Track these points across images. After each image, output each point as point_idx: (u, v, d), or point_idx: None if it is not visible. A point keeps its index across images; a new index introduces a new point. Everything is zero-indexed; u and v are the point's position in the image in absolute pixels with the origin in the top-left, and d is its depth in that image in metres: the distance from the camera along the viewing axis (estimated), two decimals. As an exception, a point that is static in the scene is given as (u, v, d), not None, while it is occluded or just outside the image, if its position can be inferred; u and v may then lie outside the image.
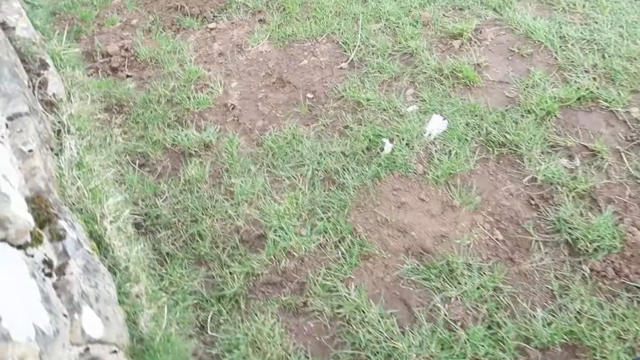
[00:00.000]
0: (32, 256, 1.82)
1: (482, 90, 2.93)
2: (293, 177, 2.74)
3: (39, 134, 2.48)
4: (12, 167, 2.00)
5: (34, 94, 2.97)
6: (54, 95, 3.03)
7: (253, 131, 3.03)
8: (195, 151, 2.95)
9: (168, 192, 2.77)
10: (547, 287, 2.21)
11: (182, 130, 3.06)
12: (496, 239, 2.39)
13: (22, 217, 1.74)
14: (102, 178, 2.58)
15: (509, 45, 3.17)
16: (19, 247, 1.76)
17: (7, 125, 2.34)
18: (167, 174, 2.89)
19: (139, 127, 3.15)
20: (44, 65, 3.19)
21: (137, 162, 2.95)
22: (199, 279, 2.43)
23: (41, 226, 2.00)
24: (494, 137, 2.69)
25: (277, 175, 2.77)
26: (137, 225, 2.63)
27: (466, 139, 2.71)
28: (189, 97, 3.25)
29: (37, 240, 1.87)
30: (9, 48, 2.89)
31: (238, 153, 2.90)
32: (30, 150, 2.28)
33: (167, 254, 2.53)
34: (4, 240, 1.68)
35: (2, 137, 2.23)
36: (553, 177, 2.52)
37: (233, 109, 3.18)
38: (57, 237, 1.99)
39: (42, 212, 2.03)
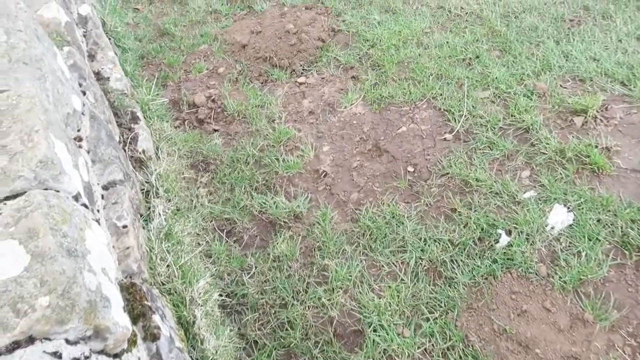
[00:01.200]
0: (127, 365, 1.63)
1: (614, 180, 2.58)
2: (393, 263, 2.47)
3: (132, 203, 2.34)
4: (109, 253, 1.85)
5: (124, 150, 2.88)
6: (143, 152, 2.92)
7: (347, 204, 2.80)
8: (284, 222, 2.75)
9: (256, 267, 2.56)
10: None
11: (270, 196, 2.87)
12: (640, 368, 2.02)
13: (122, 324, 1.57)
14: (192, 253, 2.40)
15: (642, 127, 2.82)
16: (115, 355, 1.58)
17: (102, 197, 2.21)
18: (254, 246, 2.69)
19: (226, 188, 2.99)
20: (135, 119, 3.11)
21: (224, 229, 2.77)
22: (287, 376, 2.19)
23: (135, 321, 1.83)
24: (632, 239, 2.32)
25: (375, 260, 2.51)
26: (222, 305, 2.43)
27: (597, 239, 2.36)
28: (277, 159, 3.08)
29: (132, 343, 1.69)
30: (104, 104, 2.82)
31: (332, 229, 2.67)
32: (125, 226, 2.14)
33: (254, 341, 2.31)
34: (101, 352, 1.50)
35: (99, 210, 2.10)
36: None
37: (325, 176, 2.97)
38: (152, 336, 1.81)
39: (136, 304, 1.86)
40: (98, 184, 2.24)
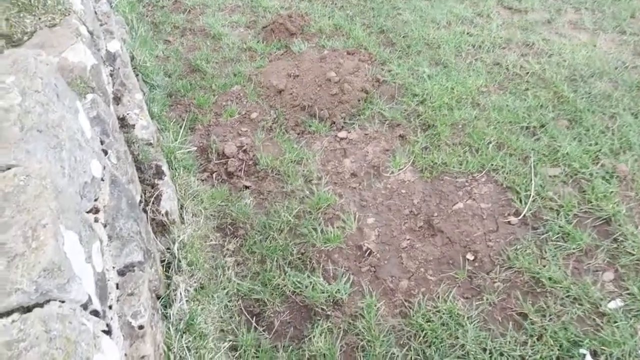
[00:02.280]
0: None
1: None
2: (452, 379, 2.08)
3: (151, 293, 1.99)
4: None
5: (145, 211, 2.55)
6: (166, 213, 2.59)
7: (396, 293, 2.42)
8: (322, 309, 2.37)
9: (287, 366, 2.18)
10: None
11: (306, 274, 2.51)
12: None
13: None
14: (216, 351, 2.04)
15: None
16: None
17: (117, 285, 1.87)
18: (287, 336, 2.31)
19: (255, 259, 2.63)
20: (159, 174, 2.79)
21: (252, 311, 2.41)
22: None
23: None
24: None
25: (430, 372, 2.12)
26: (246, 416, 2.05)
27: None
28: (315, 230, 2.72)
29: None
30: (127, 161, 2.50)
31: (377, 324, 2.29)
32: (141, 327, 1.79)
33: None
34: None
35: (111, 307, 1.76)
36: None
37: (369, 254, 2.60)
38: None
39: None
40: (113, 267, 1.90)
